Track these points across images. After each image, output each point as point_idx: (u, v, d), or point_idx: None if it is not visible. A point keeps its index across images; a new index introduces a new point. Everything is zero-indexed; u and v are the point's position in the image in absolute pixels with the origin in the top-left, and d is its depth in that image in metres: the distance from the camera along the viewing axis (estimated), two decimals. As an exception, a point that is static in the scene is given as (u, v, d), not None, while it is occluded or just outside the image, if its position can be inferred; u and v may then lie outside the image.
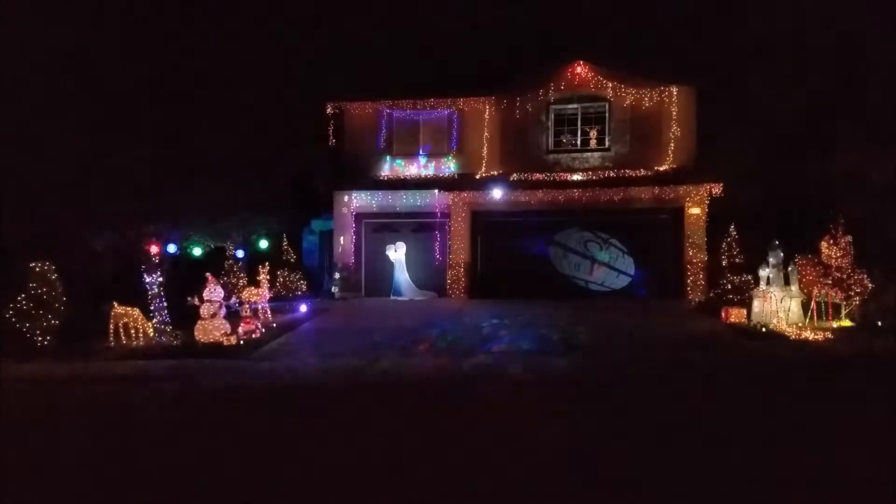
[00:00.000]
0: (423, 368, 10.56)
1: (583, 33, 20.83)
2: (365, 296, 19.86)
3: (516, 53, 20.26)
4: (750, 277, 14.87)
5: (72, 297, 12.63)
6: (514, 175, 18.95)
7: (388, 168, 20.21)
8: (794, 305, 13.53)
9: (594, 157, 19.29)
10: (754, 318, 13.69)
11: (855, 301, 13.50)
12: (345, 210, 20.35)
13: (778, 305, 13.46)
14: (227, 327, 12.72)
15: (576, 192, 18.54)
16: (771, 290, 13.71)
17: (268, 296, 15.20)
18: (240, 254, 18.20)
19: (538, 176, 18.83)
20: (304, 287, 19.26)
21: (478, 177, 19.44)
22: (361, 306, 18.15)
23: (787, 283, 13.82)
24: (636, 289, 18.67)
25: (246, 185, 19.97)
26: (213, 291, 12.83)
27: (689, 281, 18.05)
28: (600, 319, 14.74)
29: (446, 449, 6.55)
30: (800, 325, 13.17)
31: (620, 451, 6.31)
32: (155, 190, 16.88)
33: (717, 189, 17.72)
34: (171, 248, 15.03)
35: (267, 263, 15.54)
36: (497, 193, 18.79)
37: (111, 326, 12.72)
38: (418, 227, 20.10)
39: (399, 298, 19.10)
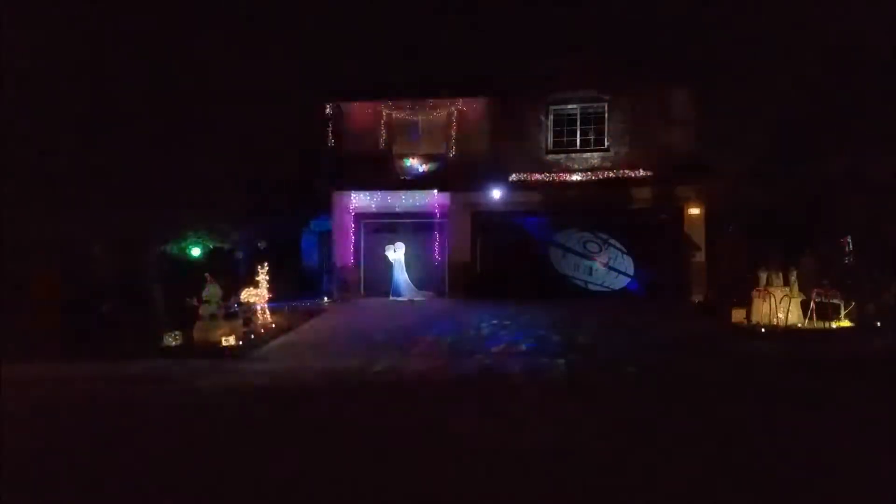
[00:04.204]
0: (422, 369, 10.55)
1: (583, 33, 20.80)
2: (364, 296, 19.83)
3: (516, 53, 20.22)
4: (750, 277, 14.85)
5: (72, 298, 12.61)
6: (514, 175, 18.94)
7: (388, 168, 20.16)
8: (794, 305, 13.52)
9: (593, 158, 19.27)
10: (754, 318, 13.69)
11: (854, 301, 13.49)
12: (344, 210, 20.30)
13: (778, 305, 13.46)
14: (226, 328, 12.71)
15: (575, 193, 18.51)
16: (771, 290, 13.70)
17: (267, 296, 15.20)
18: (239, 254, 18.19)
19: (537, 176, 18.81)
20: (303, 287, 19.23)
21: (477, 177, 19.39)
22: (360, 306, 18.14)
23: (786, 283, 13.82)
24: (636, 289, 18.66)
25: (245, 185, 19.94)
26: (213, 292, 12.82)
27: (688, 281, 18.02)
28: (600, 320, 14.73)
29: (446, 449, 6.53)
30: (800, 325, 13.18)
31: (615, 452, 6.29)
32: (154, 191, 16.85)
33: (716, 189, 17.69)
34: (171, 249, 15.02)
35: (266, 263, 15.53)
36: (496, 194, 18.78)
37: (111, 327, 12.70)
38: (417, 227, 20.07)
39: (398, 299, 19.08)
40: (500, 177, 19.05)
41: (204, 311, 12.66)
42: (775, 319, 13.32)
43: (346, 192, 20.20)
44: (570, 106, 19.53)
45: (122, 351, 12.00)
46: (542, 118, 19.54)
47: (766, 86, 19.71)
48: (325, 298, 19.15)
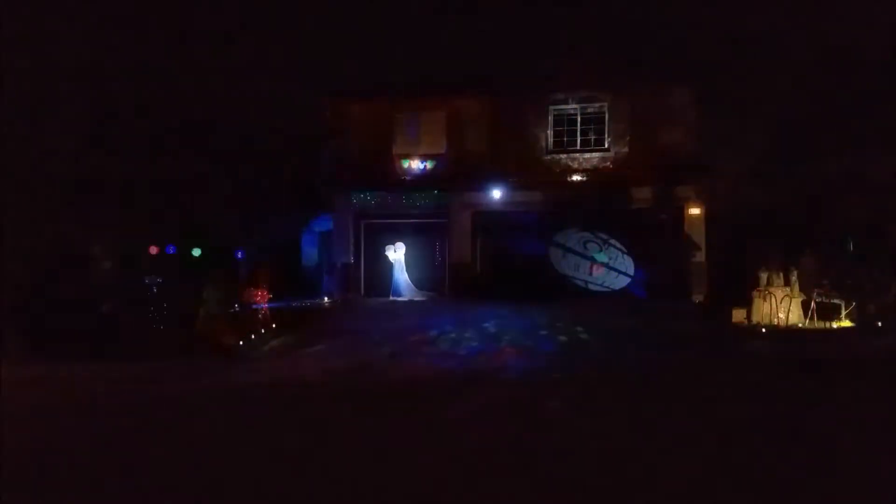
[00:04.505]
0: (422, 369, 10.55)
1: (583, 33, 20.78)
2: (364, 296, 19.81)
3: (516, 53, 20.22)
4: (750, 277, 14.85)
5: (71, 299, 12.62)
6: (514, 175, 18.91)
7: (388, 168, 20.15)
8: (795, 306, 13.53)
9: (594, 157, 19.26)
10: (755, 318, 13.69)
11: (854, 301, 13.49)
12: (344, 210, 20.29)
13: (778, 306, 13.46)
14: (226, 328, 12.71)
15: (575, 193, 18.50)
16: (771, 290, 13.71)
17: (268, 296, 15.18)
18: (239, 254, 18.17)
19: (538, 176, 18.78)
20: (303, 287, 19.22)
21: (477, 177, 19.39)
22: (361, 307, 18.12)
23: (786, 283, 13.82)
24: (636, 289, 18.65)
25: (245, 185, 19.92)
26: (214, 292, 12.82)
27: (688, 281, 18.00)
28: (600, 320, 14.72)
29: (446, 449, 6.53)
30: (800, 325, 13.18)
31: (615, 452, 6.29)
32: (154, 191, 16.86)
33: (716, 189, 17.69)
34: (171, 250, 15.01)
35: (267, 264, 15.52)
36: (496, 194, 18.77)
37: (111, 327, 12.70)
38: (418, 227, 20.06)
39: (399, 299, 19.07)
40: (500, 177, 19.05)
41: (204, 311, 12.66)
42: (776, 319, 13.33)
43: (346, 192, 20.19)
44: (570, 106, 19.52)
45: (123, 351, 12.00)
46: (542, 118, 19.53)
47: (766, 86, 19.70)
48: (326, 298, 19.14)
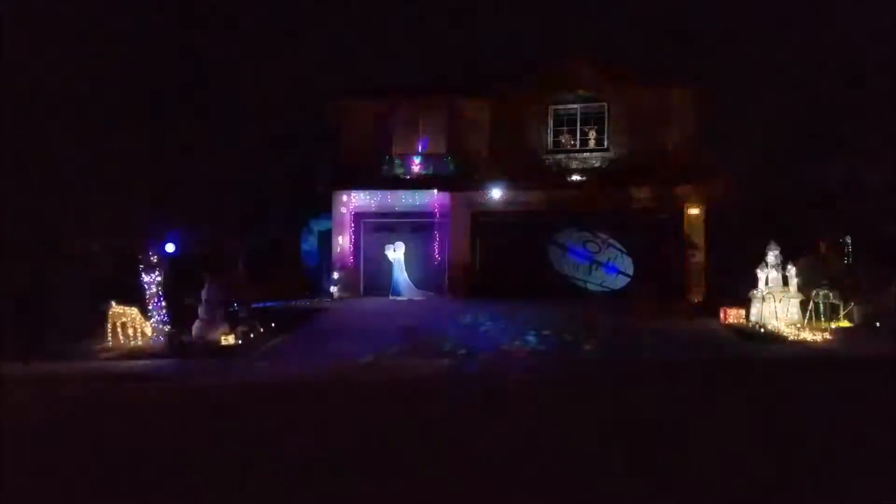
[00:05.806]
0: (422, 368, 10.57)
1: (583, 33, 20.82)
2: (364, 296, 19.83)
3: (516, 53, 20.26)
4: (749, 278, 14.85)
5: (71, 297, 12.64)
6: (514, 175, 18.91)
7: (388, 168, 20.16)
8: (793, 306, 13.54)
9: (593, 158, 19.26)
10: (753, 319, 13.69)
11: (853, 302, 13.50)
12: (344, 210, 20.32)
13: (776, 306, 13.47)
14: (226, 327, 12.73)
15: (575, 193, 18.50)
16: (770, 290, 13.71)
17: (267, 294, 15.18)
18: (239, 254, 18.19)
19: (538, 176, 18.79)
20: (303, 287, 19.23)
21: (477, 177, 19.40)
22: (360, 306, 18.13)
23: (785, 283, 13.83)
24: (635, 289, 18.62)
25: (245, 184, 19.94)
26: (212, 291, 12.84)
27: (687, 281, 18.01)
28: (599, 320, 14.72)
29: (446, 448, 6.54)
30: (798, 325, 13.18)
31: (615, 452, 6.30)
32: (153, 190, 16.87)
33: (716, 189, 17.69)
34: (170, 248, 15.01)
35: (266, 263, 15.52)
36: (496, 193, 18.77)
37: (109, 326, 12.72)
38: (417, 226, 20.07)
39: (398, 298, 19.08)
40: (500, 177, 19.05)
41: (204, 310, 12.67)
42: (774, 320, 13.33)
43: (346, 192, 20.21)
44: (570, 106, 19.52)
45: (121, 350, 12.02)
46: (543, 118, 19.53)
47: (767, 85, 19.72)
48: (325, 298, 19.16)
